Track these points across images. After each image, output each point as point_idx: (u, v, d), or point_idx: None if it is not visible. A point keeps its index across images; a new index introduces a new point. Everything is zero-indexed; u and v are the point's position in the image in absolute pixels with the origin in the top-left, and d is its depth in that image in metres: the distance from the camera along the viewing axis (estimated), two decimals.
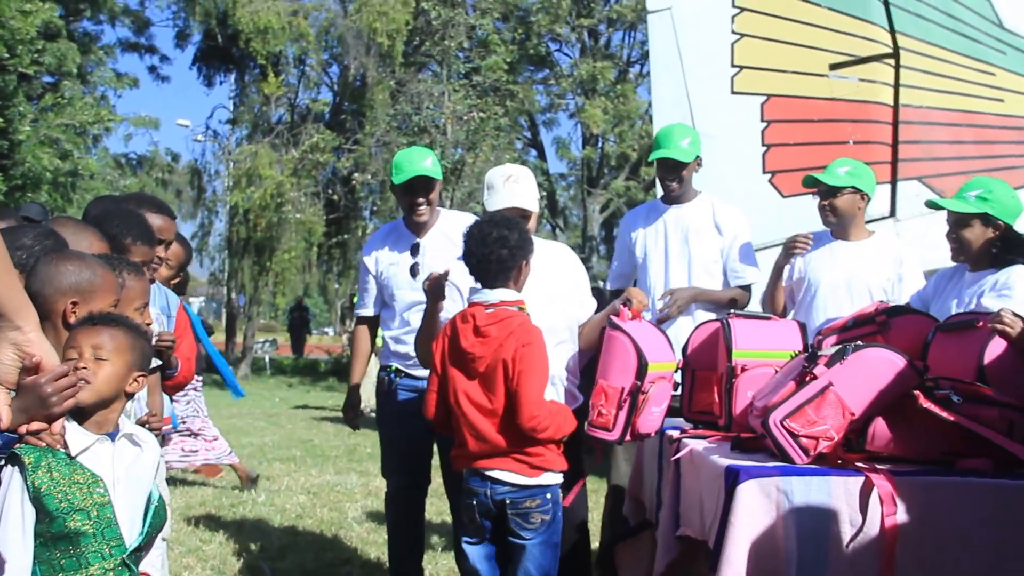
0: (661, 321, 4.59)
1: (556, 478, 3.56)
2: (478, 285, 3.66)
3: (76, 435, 2.36)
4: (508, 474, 3.49)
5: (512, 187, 4.03)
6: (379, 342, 6.00)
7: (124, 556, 2.40)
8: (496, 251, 3.54)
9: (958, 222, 3.92)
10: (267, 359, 26.67)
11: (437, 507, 7.13)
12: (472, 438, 3.53)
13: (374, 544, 6.21)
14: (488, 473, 3.51)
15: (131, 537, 2.43)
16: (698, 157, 4.90)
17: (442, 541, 6.27)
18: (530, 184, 4.12)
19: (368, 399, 15.25)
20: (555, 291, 4.03)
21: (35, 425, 1.91)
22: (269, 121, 22.95)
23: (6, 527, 2.24)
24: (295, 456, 10.19)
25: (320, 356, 28.48)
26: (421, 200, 4.83)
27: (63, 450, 2.32)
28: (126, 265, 3.06)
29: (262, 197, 20.37)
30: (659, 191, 6.47)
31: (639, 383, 3.46)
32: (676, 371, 3.77)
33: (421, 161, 4.86)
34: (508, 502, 3.50)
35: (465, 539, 3.67)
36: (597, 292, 4.82)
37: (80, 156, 21.27)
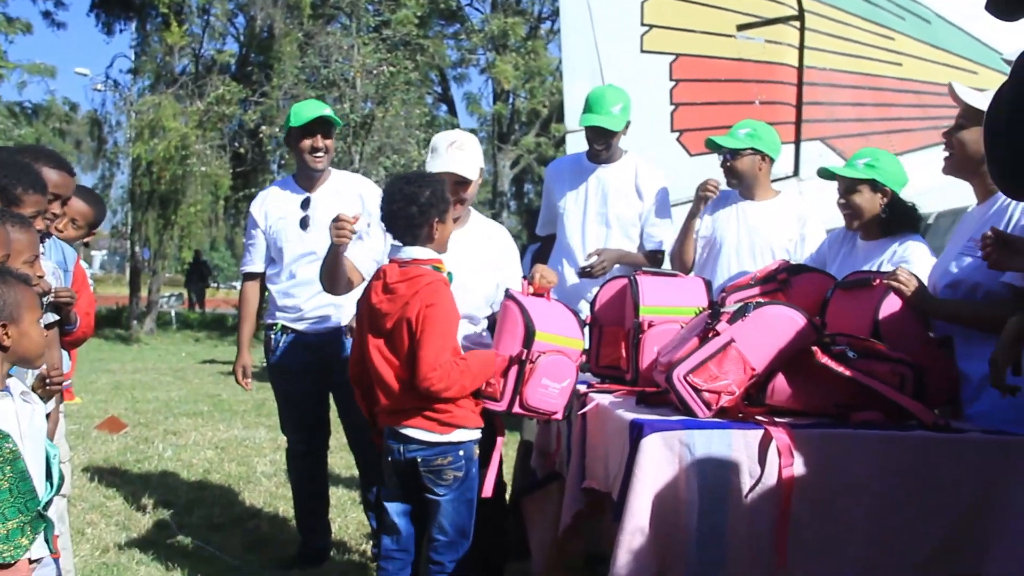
0: (583, 275, 4.66)
1: (470, 434, 3.58)
2: (399, 243, 3.67)
3: None
4: (419, 431, 3.51)
5: (454, 153, 4.02)
6: None
7: (39, 508, 2.37)
8: (405, 207, 3.55)
9: (848, 188, 4.04)
10: (173, 313, 26.22)
11: (347, 461, 7.15)
12: (383, 394, 3.55)
13: (283, 498, 6.20)
14: (400, 431, 3.53)
15: (41, 489, 2.41)
16: (627, 122, 4.93)
17: (351, 495, 6.28)
18: (473, 151, 4.11)
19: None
20: (490, 261, 4.07)
21: None
22: (173, 72, 22.38)
23: None
24: (202, 411, 10.08)
25: (228, 311, 28.09)
26: (320, 144, 4.80)
27: None
28: (11, 217, 2.97)
29: (166, 149, 19.91)
30: (570, 147, 6.53)
31: (525, 351, 3.50)
32: (583, 353, 3.77)
33: (321, 108, 4.86)
34: (420, 460, 3.52)
35: (385, 494, 3.70)
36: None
37: None
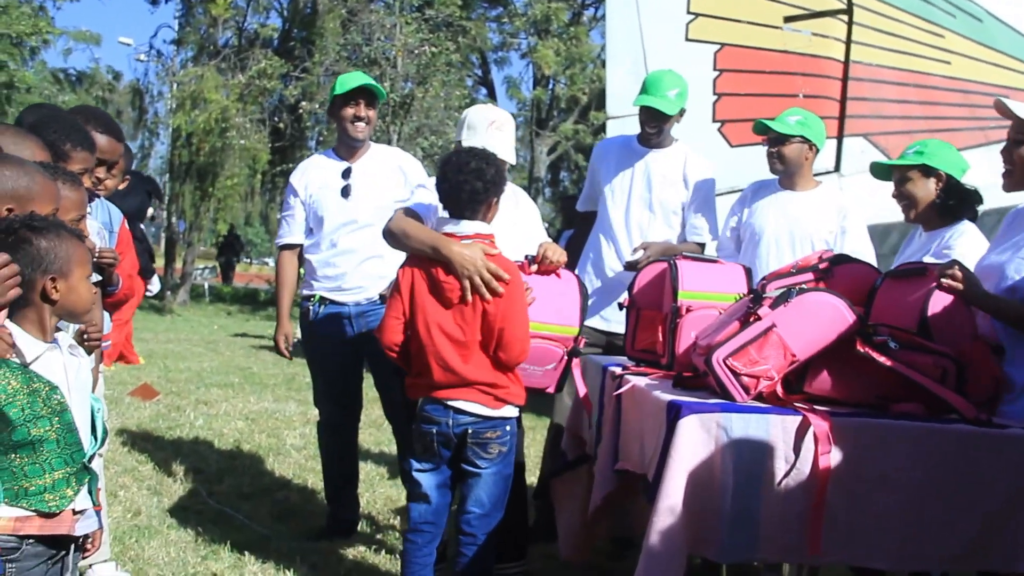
0: (629, 267, 4.67)
1: (515, 411, 3.66)
2: (445, 214, 3.68)
3: (27, 343, 2.35)
4: (473, 405, 3.55)
5: (495, 134, 4.02)
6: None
7: (84, 460, 2.41)
8: (472, 182, 3.56)
9: (901, 179, 3.98)
10: (206, 286, 26.42)
11: (375, 437, 7.20)
12: (439, 368, 3.56)
13: (312, 471, 6.24)
14: (451, 403, 3.56)
15: (87, 441, 2.44)
16: (682, 109, 4.90)
17: (379, 470, 6.32)
18: (511, 133, 4.12)
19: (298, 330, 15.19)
20: (511, 218, 4.09)
21: None
22: (215, 44, 22.51)
23: None
24: (233, 383, 10.16)
25: (260, 286, 28.27)
26: (362, 113, 4.83)
27: (15, 359, 2.31)
28: (63, 174, 2.99)
29: (206, 121, 20.03)
30: (610, 133, 6.50)
31: None
32: (576, 339, 3.85)
33: (365, 78, 4.90)
34: (470, 432, 3.57)
35: (417, 466, 3.71)
36: None
37: (16, 68, 20.68)
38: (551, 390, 3.89)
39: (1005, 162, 3.32)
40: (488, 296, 3.50)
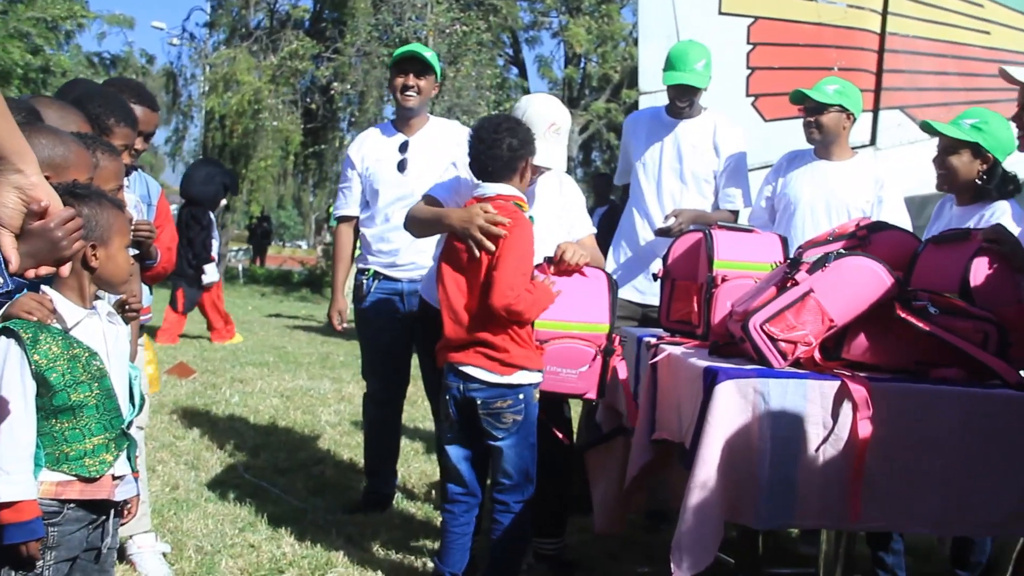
0: (660, 234, 4.64)
1: (530, 377, 3.59)
2: (478, 183, 3.69)
3: (67, 309, 2.37)
4: (479, 371, 3.53)
5: (552, 137, 3.91)
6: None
7: (123, 426, 2.43)
8: (507, 139, 3.57)
9: (947, 148, 3.90)
10: (240, 268, 26.58)
11: (409, 414, 7.21)
12: (451, 324, 3.58)
13: (347, 446, 6.28)
14: (460, 368, 3.56)
15: (125, 408, 2.46)
16: (709, 78, 4.88)
17: (413, 446, 6.34)
18: (566, 137, 4.07)
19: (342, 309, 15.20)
20: (555, 211, 4.08)
21: (44, 270, 1.85)
22: (247, 26, 22.53)
23: (8, 400, 2.24)
24: (268, 361, 10.22)
25: (293, 267, 28.41)
26: (412, 81, 4.83)
27: (56, 325, 2.33)
28: (100, 144, 3.01)
29: (239, 103, 20.10)
30: (643, 106, 6.46)
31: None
32: (610, 336, 3.81)
33: (422, 49, 4.91)
34: (479, 401, 3.55)
35: (446, 438, 3.73)
36: None
37: (52, 52, 20.84)
38: (591, 395, 3.82)
39: (1018, 127, 3.27)
40: (490, 245, 3.50)
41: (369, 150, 4.96)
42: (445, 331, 3.60)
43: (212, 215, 11.77)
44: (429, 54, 4.89)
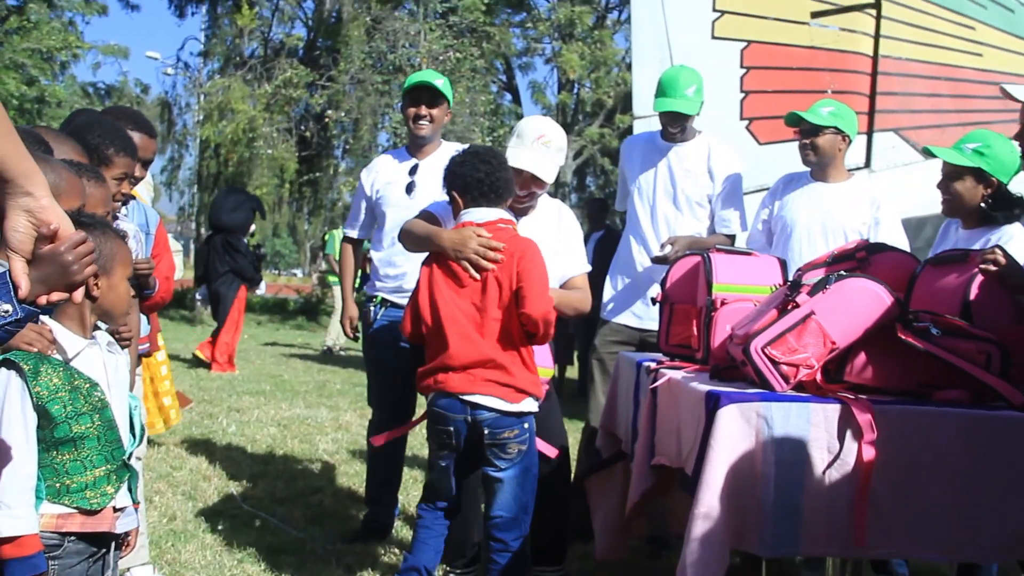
0: (657, 261, 4.64)
1: (534, 405, 3.58)
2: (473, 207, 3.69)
3: (68, 340, 2.35)
4: (490, 399, 3.48)
5: (539, 148, 3.99)
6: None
7: (124, 457, 2.40)
8: (498, 172, 3.62)
9: (950, 174, 3.89)
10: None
11: (408, 442, 7.17)
12: (458, 339, 3.51)
13: (345, 475, 6.24)
14: (466, 398, 3.50)
15: (126, 439, 2.44)
16: (701, 103, 4.89)
17: (412, 474, 6.31)
18: (559, 152, 4.09)
19: (337, 337, 15.15)
20: (552, 245, 4.05)
21: (55, 296, 1.79)
22: (242, 55, 22.66)
23: (9, 433, 2.22)
24: (265, 390, 10.18)
25: (289, 295, 28.37)
26: (424, 111, 4.86)
27: (57, 355, 2.31)
28: (87, 171, 2.99)
29: (234, 131, 20.18)
30: (637, 131, 6.47)
31: None
32: (554, 379, 3.89)
33: (433, 77, 4.93)
34: (486, 432, 3.49)
35: (441, 464, 3.67)
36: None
37: (47, 83, 20.90)
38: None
39: (1021, 145, 3.28)
40: (488, 266, 3.51)
41: (380, 173, 5.01)
42: (449, 352, 3.53)
43: (244, 240, 12.17)
44: (441, 82, 4.91)
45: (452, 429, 3.55)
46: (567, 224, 4.30)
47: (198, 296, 16.35)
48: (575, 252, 4.24)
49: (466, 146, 4.77)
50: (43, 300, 1.79)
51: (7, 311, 1.67)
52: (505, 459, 3.53)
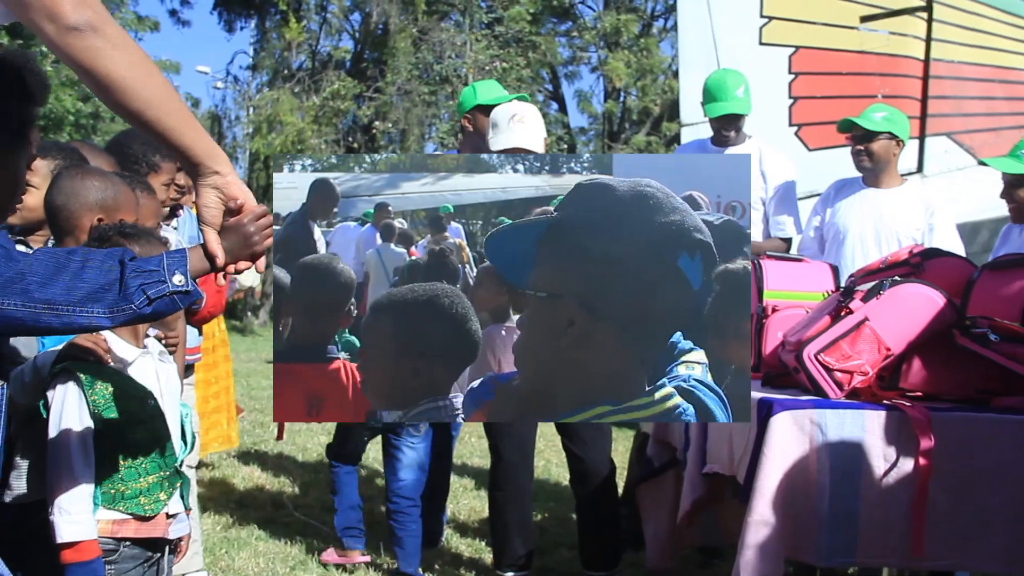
0: None
1: None
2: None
3: (122, 349, 2.38)
4: None
5: (515, 127, 4.05)
6: None
7: (176, 465, 2.43)
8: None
9: (1012, 182, 3.86)
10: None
11: (457, 451, 7.18)
12: None
13: None
14: None
15: (178, 446, 2.47)
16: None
17: (464, 483, 6.31)
18: (536, 122, 4.14)
19: None
20: None
21: (242, 264, 1.91)
22: (290, 67, 22.89)
23: (68, 441, 2.26)
24: None
25: None
26: None
27: (112, 364, 2.34)
28: (139, 183, 3.06)
29: (283, 144, 20.37)
30: (685, 138, 6.44)
31: None
32: None
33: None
34: None
35: None
36: None
37: None
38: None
39: None
40: None
41: None
42: None
43: None
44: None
45: None
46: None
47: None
48: None
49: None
50: (231, 269, 1.92)
51: (181, 281, 1.77)
52: None
